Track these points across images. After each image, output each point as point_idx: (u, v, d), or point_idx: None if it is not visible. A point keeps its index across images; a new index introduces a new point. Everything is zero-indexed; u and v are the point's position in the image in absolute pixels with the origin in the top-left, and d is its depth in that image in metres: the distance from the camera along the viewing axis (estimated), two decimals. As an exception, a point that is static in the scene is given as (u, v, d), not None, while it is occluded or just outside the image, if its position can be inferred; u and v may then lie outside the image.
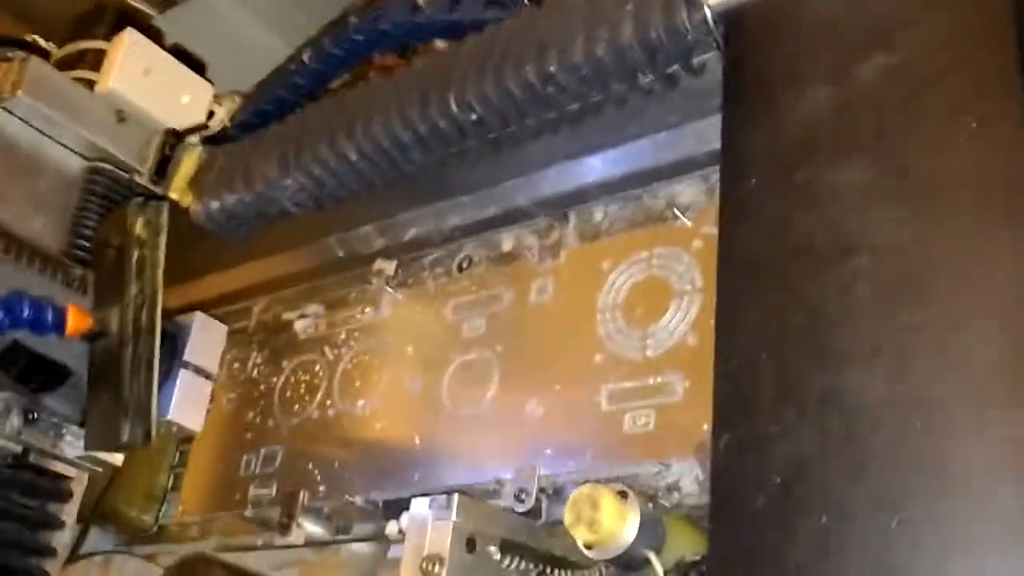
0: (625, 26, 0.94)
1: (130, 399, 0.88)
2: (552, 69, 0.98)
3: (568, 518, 0.84)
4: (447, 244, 1.21)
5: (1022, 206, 0.65)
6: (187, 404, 0.96)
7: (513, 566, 0.89)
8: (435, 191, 1.21)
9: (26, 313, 0.84)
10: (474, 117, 1.05)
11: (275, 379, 1.25)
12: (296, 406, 1.21)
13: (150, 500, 1.48)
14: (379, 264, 1.22)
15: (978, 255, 0.65)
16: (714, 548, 0.70)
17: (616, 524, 0.83)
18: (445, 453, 1.05)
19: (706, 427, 0.87)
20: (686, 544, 0.89)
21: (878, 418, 0.65)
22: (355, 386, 1.17)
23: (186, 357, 0.96)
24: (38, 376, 0.93)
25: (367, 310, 1.20)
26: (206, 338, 0.98)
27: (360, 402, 1.15)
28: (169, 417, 0.97)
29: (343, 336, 1.22)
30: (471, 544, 0.86)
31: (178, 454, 1.52)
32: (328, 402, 1.19)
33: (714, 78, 0.97)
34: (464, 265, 1.16)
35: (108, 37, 1.27)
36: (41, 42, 1.31)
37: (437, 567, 0.84)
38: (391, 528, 1.07)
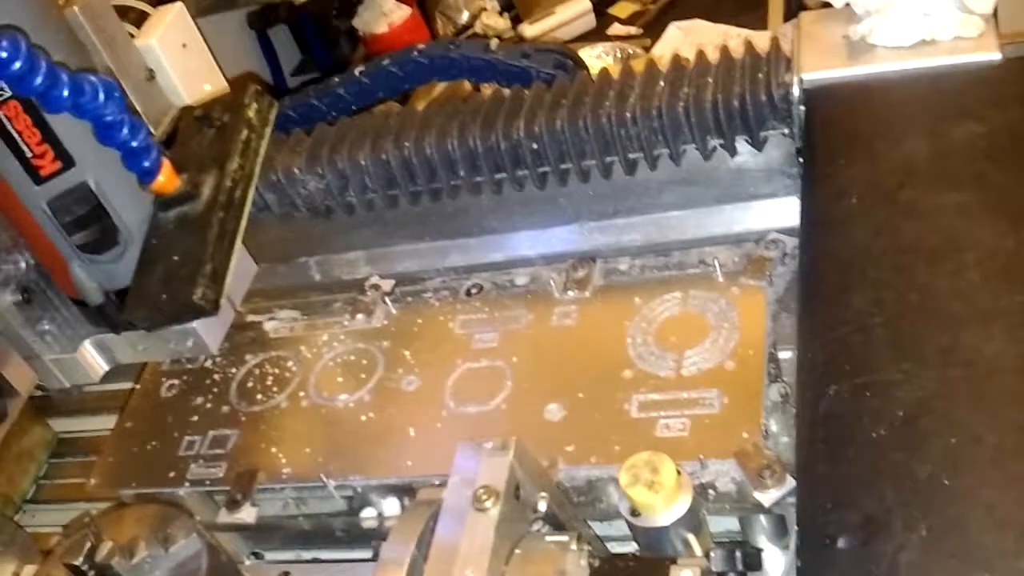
0: (710, 88, 1.06)
1: (210, 262, 0.84)
2: (629, 114, 1.08)
3: (625, 479, 0.85)
4: (447, 279, 1.23)
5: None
6: (213, 320, 0.91)
7: (545, 530, 0.87)
8: (441, 228, 1.25)
9: (126, 132, 0.80)
10: (535, 146, 1.12)
11: (234, 370, 1.20)
12: (259, 396, 1.16)
13: (6, 505, 1.33)
14: (375, 279, 1.23)
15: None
16: (828, 468, 0.74)
17: (675, 491, 0.85)
18: (445, 445, 1.03)
19: (746, 435, 0.92)
20: (703, 543, 0.90)
21: (998, 364, 0.73)
22: (336, 382, 1.14)
23: (227, 276, 0.92)
24: (90, 231, 0.87)
25: (358, 317, 1.19)
26: (240, 268, 0.95)
27: (342, 396, 1.12)
28: (194, 325, 0.92)
29: (325, 338, 1.19)
30: (518, 491, 0.85)
31: (47, 466, 1.40)
32: (301, 394, 1.14)
33: (759, 161, 1.10)
34: (473, 291, 1.18)
35: (154, 4, 1.28)
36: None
37: (491, 501, 0.82)
38: (368, 513, 1.03)
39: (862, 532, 0.69)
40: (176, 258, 0.86)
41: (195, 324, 0.92)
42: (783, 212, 1.13)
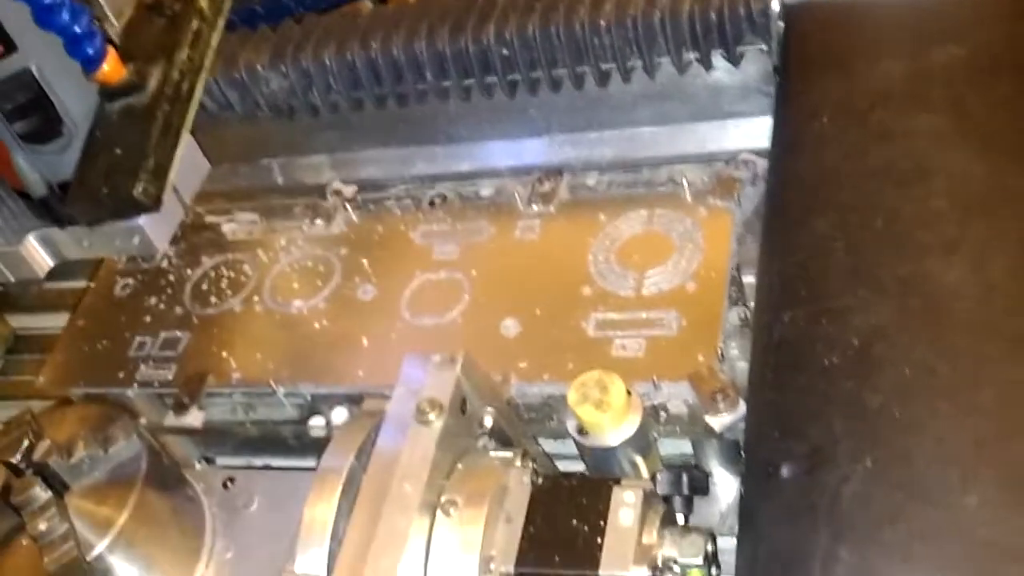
0: (687, -1, 1.02)
1: (152, 156, 0.81)
2: (602, 22, 1.04)
3: (574, 397, 0.83)
4: (411, 187, 1.20)
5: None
6: (159, 218, 0.88)
7: (489, 445, 0.86)
8: (407, 134, 1.21)
9: (66, 16, 0.76)
10: (505, 52, 1.08)
11: (189, 271, 1.17)
12: (213, 298, 1.13)
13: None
14: (337, 184, 1.19)
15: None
16: (778, 396, 0.72)
17: (623, 411, 0.83)
18: (397, 355, 1.01)
19: (702, 358, 0.90)
20: (652, 466, 0.89)
21: (958, 294, 0.71)
22: (292, 287, 1.11)
23: (171, 172, 0.88)
24: (33, 120, 0.83)
25: (317, 222, 1.16)
26: (190, 165, 0.91)
27: (297, 302, 1.09)
28: (140, 222, 0.88)
29: (283, 242, 1.16)
30: (464, 405, 0.83)
31: (2, 361, 1.37)
32: (255, 298, 1.12)
33: (735, 79, 1.06)
34: (436, 201, 1.15)
35: None
36: None
37: (434, 414, 0.80)
38: (316, 421, 1.01)
39: (807, 462, 0.68)
40: (119, 151, 0.82)
41: (141, 221, 0.89)
42: (759, 131, 1.09)
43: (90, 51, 0.80)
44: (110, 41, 0.82)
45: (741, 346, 0.93)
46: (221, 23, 0.88)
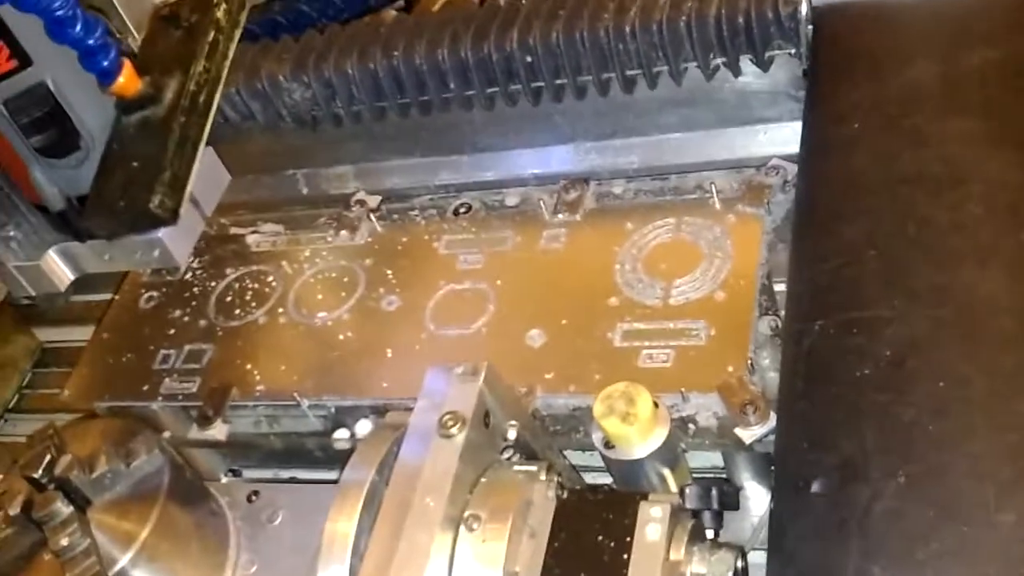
0: (714, 2, 1.00)
1: (169, 168, 0.80)
2: (628, 28, 1.02)
3: (599, 409, 0.82)
4: (435, 197, 1.19)
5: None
6: (179, 231, 0.87)
7: (514, 458, 0.84)
8: (431, 144, 1.20)
9: (79, 29, 0.76)
10: (529, 59, 1.07)
11: (214, 283, 1.16)
12: (238, 311, 1.13)
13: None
14: (361, 195, 1.18)
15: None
16: (808, 407, 0.70)
17: (650, 423, 0.81)
18: (422, 368, 0.99)
19: (731, 369, 0.88)
20: (680, 479, 0.87)
21: (993, 305, 0.68)
22: (316, 298, 1.11)
23: (188, 185, 0.88)
24: (49, 133, 0.83)
25: (342, 233, 1.15)
26: (211, 177, 0.90)
27: (321, 313, 1.09)
28: (160, 235, 0.88)
29: (307, 254, 1.16)
30: (487, 418, 0.82)
31: (31, 375, 1.38)
32: (280, 310, 1.11)
33: (764, 83, 1.05)
34: (462, 210, 1.14)
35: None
36: None
37: (456, 427, 0.78)
38: (341, 434, 1.00)
39: (838, 476, 0.66)
40: (136, 164, 0.81)
41: (161, 234, 0.88)
42: (789, 137, 1.07)
43: (105, 64, 0.80)
44: (126, 53, 0.82)
45: (772, 356, 0.91)
46: (237, 34, 0.87)
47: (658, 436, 0.82)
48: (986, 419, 0.64)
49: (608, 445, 0.83)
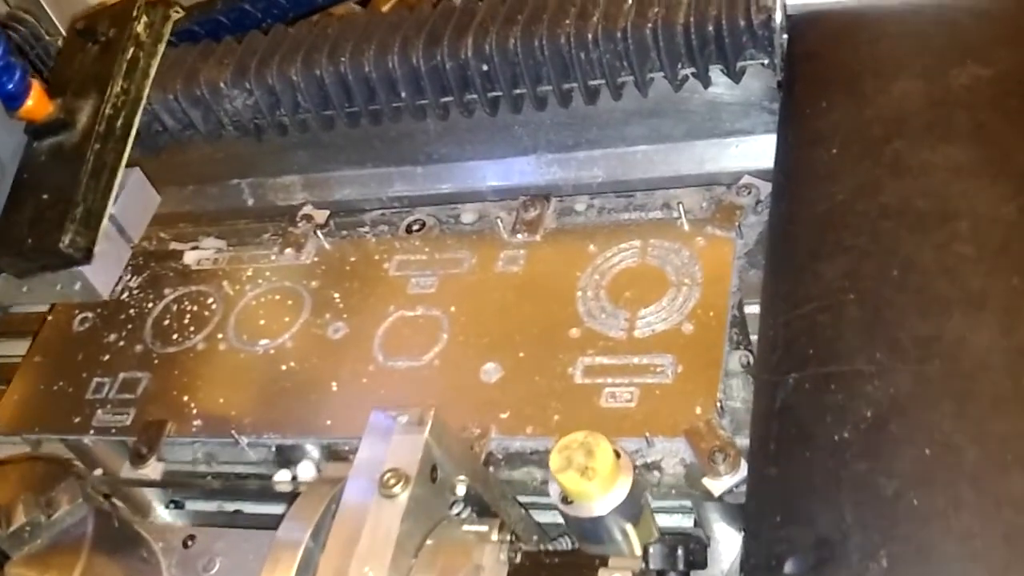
0: (682, 9, 0.93)
1: (82, 203, 0.73)
2: (590, 35, 0.95)
3: (556, 462, 0.75)
4: (388, 212, 1.12)
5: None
6: (103, 261, 0.80)
7: (464, 513, 0.77)
8: (384, 154, 1.13)
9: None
10: (484, 68, 1.00)
11: (150, 305, 1.09)
12: (175, 335, 1.05)
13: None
14: (308, 209, 1.11)
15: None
16: (781, 473, 0.64)
17: (611, 479, 0.75)
18: (369, 403, 0.92)
19: (699, 410, 0.82)
20: (645, 532, 0.81)
21: (986, 361, 0.62)
22: (258, 324, 1.03)
23: (113, 211, 0.80)
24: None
25: (287, 251, 1.07)
26: (138, 200, 0.83)
27: (263, 341, 1.01)
28: (82, 268, 0.80)
29: (249, 273, 1.08)
30: (434, 472, 0.75)
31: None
32: (219, 336, 1.04)
33: (736, 94, 0.98)
34: (415, 227, 1.07)
35: None
36: None
37: (400, 484, 0.72)
38: (282, 476, 0.93)
39: (813, 556, 0.59)
40: (46, 196, 0.74)
41: (82, 267, 0.81)
42: (761, 151, 1.01)
43: (9, 86, 0.73)
44: (37, 75, 0.74)
45: (743, 395, 0.85)
46: (161, 49, 0.80)
47: (620, 490, 0.76)
48: (977, 492, 0.58)
49: (566, 500, 0.77)
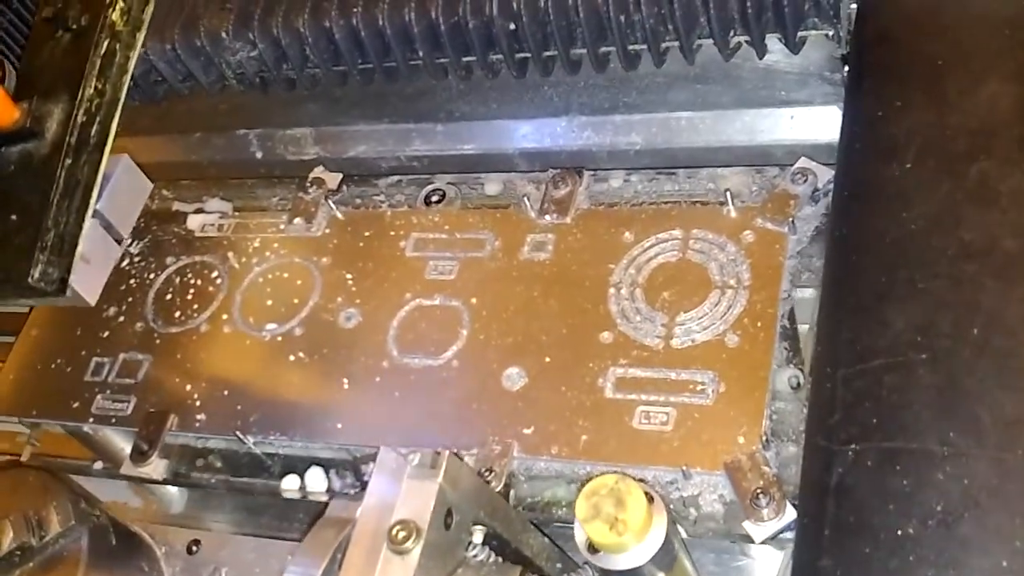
0: (738, -30, 0.81)
1: (52, 228, 0.65)
2: (635, -6, 0.84)
3: (583, 511, 0.68)
4: (406, 173, 1.03)
5: None
6: (89, 267, 0.72)
7: (483, 557, 0.71)
8: (401, 109, 1.03)
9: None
10: (511, 26, 0.89)
11: (152, 276, 1.01)
12: (178, 313, 0.98)
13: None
14: (318, 172, 1.02)
15: None
16: (833, 569, 0.56)
17: (642, 531, 0.68)
18: (382, 406, 0.86)
19: (742, 439, 0.74)
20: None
21: (1083, 458, 0.54)
22: (265, 305, 0.96)
23: (99, 206, 0.72)
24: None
25: (296, 221, 0.99)
26: (128, 190, 0.75)
27: (270, 325, 0.94)
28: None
29: (256, 244, 1.00)
30: (448, 518, 0.68)
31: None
32: (224, 316, 0.96)
33: (793, 62, 0.87)
34: (434, 199, 0.97)
35: None
36: None
37: (411, 539, 0.65)
38: (289, 483, 0.87)
39: None
40: (14, 217, 0.66)
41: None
42: (820, 123, 0.91)
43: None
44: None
45: (792, 421, 0.77)
46: (140, 38, 0.70)
47: (653, 539, 0.69)
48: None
49: (593, 549, 0.70)
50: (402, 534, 0.65)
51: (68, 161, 0.66)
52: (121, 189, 0.74)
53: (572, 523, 0.70)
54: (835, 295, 0.67)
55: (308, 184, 1.01)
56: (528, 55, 0.91)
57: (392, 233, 0.96)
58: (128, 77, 0.69)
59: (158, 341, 0.97)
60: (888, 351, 0.61)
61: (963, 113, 0.67)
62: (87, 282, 0.75)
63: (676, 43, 0.86)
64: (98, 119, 0.67)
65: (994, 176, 0.64)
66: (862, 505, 0.57)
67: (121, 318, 0.99)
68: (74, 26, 0.69)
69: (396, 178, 1.00)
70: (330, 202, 0.99)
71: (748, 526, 0.72)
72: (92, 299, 0.76)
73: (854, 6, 0.78)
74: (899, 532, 0.55)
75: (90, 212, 0.68)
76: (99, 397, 0.95)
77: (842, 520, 0.58)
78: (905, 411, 0.59)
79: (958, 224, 0.63)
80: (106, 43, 0.68)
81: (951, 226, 0.64)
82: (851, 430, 0.60)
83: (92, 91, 0.67)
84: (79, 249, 0.67)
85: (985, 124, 0.66)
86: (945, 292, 0.61)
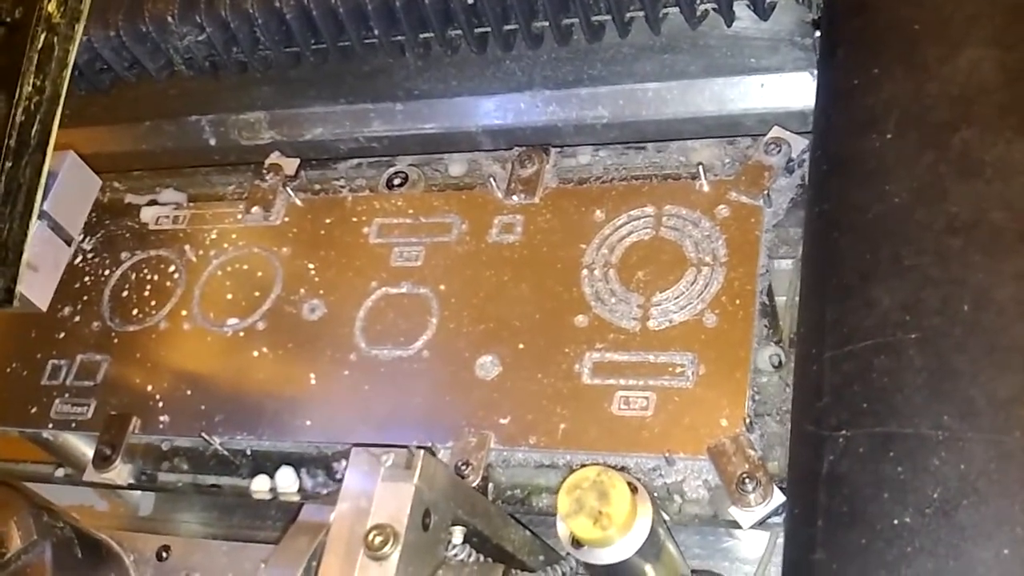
0: (704, -67, 0.78)
1: (-6, 238, 0.61)
2: (594, -37, 0.80)
3: (565, 506, 0.65)
4: (365, 156, 0.99)
5: None
6: (37, 272, 0.69)
7: (464, 557, 0.69)
8: (358, 89, 1.00)
9: None
10: (470, 0, 0.86)
11: (106, 272, 0.97)
12: (136, 311, 0.95)
13: None
14: (275, 158, 0.98)
15: None
16: (828, 560, 0.54)
17: (627, 524, 0.66)
18: (352, 400, 0.83)
19: (725, 422, 0.72)
20: (668, 567, 0.72)
21: (1081, 438, 0.52)
22: (225, 298, 0.92)
23: (46, 207, 0.68)
24: None
25: (254, 210, 0.95)
26: (75, 189, 0.71)
27: (232, 320, 0.91)
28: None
29: (214, 236, 0.96)
30: (426, 519, 0.66)
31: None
32: (183, 313, 0.93)
33: (762, 27, 0.84)
34: (396, 182, 0.94)
35: None
36: None
37: (388, 544, 0.62)
38: (260, 484, 0.84)
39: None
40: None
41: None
42: (791, 90, 0.88)
43: None
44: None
45: (775, 401, 0.75)
46: (79, 29, 0.66)
47: (637, 534, 0.67)
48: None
49: (576, 544, 0.68)
50: (379, 539, 0.63)
51: (8, 165, 0.62)
52: (68, 188, 0.70)
53: (554, 514, 0.68)
54: (817, 274, 0.65)
55: (264, 171, 0.97)
56: (488, 29, 0.87)
57: (354, 219, 0.92)
58: (68, 71, 0.65)
59: (116, 340, 0.93)
60: (876, 331, 0.59)
61: (943, 80, 0.65)
62: (37, 288, 0.72)
63: (641, 13, 0.83)
64: (38, 118, 0.64)
65: (977, 145, 0.62)
66: (855, 494, 0.56)
67: (77, 318, 0.96)
68: (7, 19, 0.65)
69: (356, 161, 0.97)
70: (288, 189, 0.95)
71: (735, 512, 0.70)
72: (44, 304, 0.73)
73: (824, -31, 0.76)
74: (895, 521, 0.54)
75: (35, 217, 0.64)
76: (57, 401, 0.92)
77: (835, 510, 0.56)
78: (896, 394, 0.57)
79: (943, 197, 0.61)
80: (43, 37, 0.64)
81: (935, 199, 0.61)
82: (841, 415, 0.58)
83: (31, 88, 0.63)
84: (25, 256, 0.63)
85: (966, 91, 0.64)
86: (932, 268, 0.59)
